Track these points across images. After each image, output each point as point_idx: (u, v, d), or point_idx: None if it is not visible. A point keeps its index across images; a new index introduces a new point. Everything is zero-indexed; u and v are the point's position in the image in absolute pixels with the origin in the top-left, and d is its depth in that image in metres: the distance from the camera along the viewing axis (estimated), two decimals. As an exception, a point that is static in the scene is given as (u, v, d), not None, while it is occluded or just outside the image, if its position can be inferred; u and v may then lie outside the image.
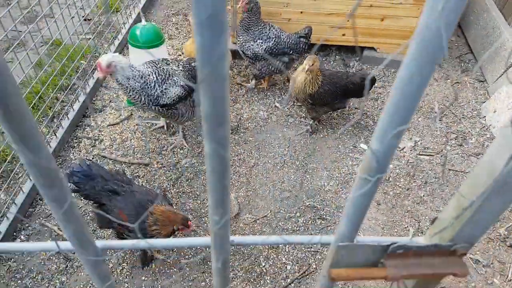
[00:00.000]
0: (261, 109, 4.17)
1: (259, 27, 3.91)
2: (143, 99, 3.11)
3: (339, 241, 0.86)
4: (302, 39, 3.97)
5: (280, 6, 4.30)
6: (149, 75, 3.11)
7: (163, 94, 3.16)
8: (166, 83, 3.17)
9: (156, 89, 3.12)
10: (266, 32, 3.93)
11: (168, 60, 3.37)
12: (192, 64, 3.40)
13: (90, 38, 4.36)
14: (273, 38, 3.93)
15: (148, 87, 3.09)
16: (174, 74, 3.23)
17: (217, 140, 0.59)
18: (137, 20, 4.76)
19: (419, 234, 3.19)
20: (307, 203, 3.35)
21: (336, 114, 4.16)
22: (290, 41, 3.95)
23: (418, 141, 3.91)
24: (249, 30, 3.91)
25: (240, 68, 4.62)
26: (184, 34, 5.05)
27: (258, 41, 3.92)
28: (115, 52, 4.45)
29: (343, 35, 4.51)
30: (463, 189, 0.82)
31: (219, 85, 0.53)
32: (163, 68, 3.20)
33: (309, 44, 4.04)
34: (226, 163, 0.64)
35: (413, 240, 0.88)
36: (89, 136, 3.74)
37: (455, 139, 3.95)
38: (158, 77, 3.14)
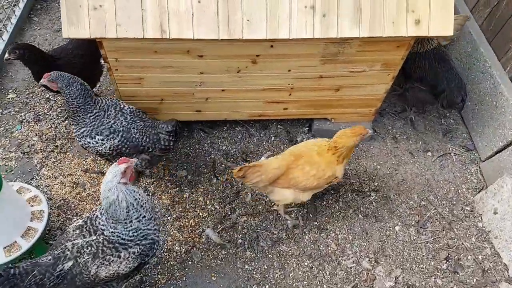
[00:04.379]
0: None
1: (94, 114, 2.58)
2: None
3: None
4: (162, 135, 2.68)
5: (192, 85, 2.92)
6: None
7: None
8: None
9: None
10: (106, 123, 2.60)
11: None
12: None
13: None
14: (120, 132, 2.60)
15: None
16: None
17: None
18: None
19: None
20: None
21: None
22: (145, 138, 2.66)
23: (399, 275, 2.81)
24: (77, 117, 2.58)
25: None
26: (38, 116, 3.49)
27: (96, 137, 2.57)
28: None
29: (285, 109, 3.22)
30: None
31: None
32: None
33: (174, 140, 2.73)
34: None
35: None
36: None
37: (447, 262, 2.89)
38: None
